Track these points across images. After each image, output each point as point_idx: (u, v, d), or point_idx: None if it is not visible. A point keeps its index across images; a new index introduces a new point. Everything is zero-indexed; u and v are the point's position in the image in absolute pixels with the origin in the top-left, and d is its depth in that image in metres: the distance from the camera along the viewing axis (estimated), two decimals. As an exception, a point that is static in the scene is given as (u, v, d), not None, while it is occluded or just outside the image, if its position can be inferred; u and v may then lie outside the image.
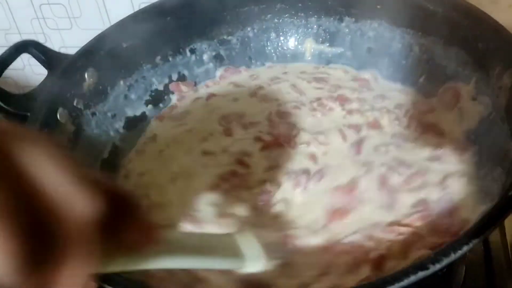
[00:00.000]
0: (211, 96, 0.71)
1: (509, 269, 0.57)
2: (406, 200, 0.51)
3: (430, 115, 0.61)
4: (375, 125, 0.61)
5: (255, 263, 0.37)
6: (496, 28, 0.55)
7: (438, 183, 0.51)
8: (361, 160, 0.56)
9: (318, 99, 0.65)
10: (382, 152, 0.57)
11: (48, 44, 0.64)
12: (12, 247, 0.19)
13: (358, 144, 0.59)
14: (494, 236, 0.61)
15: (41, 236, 0.20)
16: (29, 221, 0.20)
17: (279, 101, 0.67)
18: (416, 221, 0.48)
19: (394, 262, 0.45)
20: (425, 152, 0.55)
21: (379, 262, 0.45)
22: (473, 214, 0.47)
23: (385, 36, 0.68)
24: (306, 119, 0.63)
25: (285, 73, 0.73)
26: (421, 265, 0.35)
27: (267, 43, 0.75)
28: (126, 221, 0.24)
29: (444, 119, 0.60)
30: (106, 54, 0.64)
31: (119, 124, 0.66)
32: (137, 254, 0.24)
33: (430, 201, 0.50)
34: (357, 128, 0.60)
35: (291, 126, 0.62)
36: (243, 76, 0.74)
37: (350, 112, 0.63)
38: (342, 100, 0.65)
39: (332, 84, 0.68)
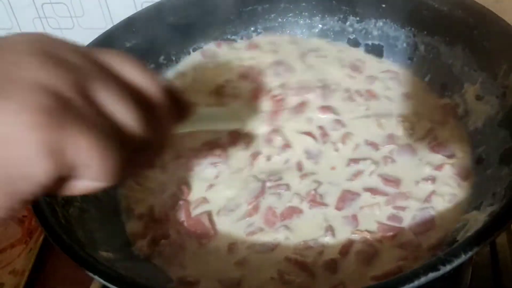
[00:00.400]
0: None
1: None
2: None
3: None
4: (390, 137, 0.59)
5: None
6: (502, 26, 0.54)
7: (422, 200, 0.52)
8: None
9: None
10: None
11: None
12: (137, 114, 0.31)
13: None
14: (500, 238, 0.61)
15: (147, 109, 0.33)
16: (139, 101, 0.32)
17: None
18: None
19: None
20: (425, 170, 0.55)
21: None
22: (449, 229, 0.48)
23: (390, 35, 0.68)
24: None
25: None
26: (431, 266, 0.34)
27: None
28: (178, 105, 0.38)
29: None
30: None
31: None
32: (185, 121, 0.39)
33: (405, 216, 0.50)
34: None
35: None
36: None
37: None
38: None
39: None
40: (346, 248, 0.48)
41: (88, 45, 0.62)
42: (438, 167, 0.54)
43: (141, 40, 0.66)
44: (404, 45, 0.67)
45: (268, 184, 0.55)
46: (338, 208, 0.51)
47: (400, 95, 0.63)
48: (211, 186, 0.56)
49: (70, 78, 0.28)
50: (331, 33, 0.72)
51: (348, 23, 0.71)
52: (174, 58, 0.71)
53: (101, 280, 0.38)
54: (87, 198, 0.52)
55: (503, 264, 0.59)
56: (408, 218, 0.50)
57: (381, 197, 0.52)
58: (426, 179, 0.53)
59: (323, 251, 0.48)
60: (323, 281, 0.46)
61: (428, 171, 0.54)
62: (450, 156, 0.55)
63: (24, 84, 0.27)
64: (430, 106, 0.62)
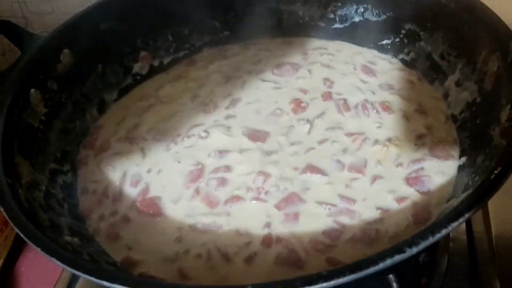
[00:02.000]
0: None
1: (493, 260, 0.56)
2: None
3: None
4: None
5: None
6: (483, 11, 0.53)
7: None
8: None
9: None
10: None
11: (29, 28, 0.62)
12: None
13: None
14: (478, 227, 0.60)
15: None
16: None
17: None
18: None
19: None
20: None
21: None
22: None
23: (371, 21, 0.67)
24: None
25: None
26: (398, 249, 0.33)
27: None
28: None
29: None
30: (83, 36, 0.62)
31: (96, 108, 0.64)
32: None
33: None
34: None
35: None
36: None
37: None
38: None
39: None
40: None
41: (60, 25, 0.61)
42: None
43: (116, 23, 0.64)
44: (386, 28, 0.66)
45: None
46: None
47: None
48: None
49: None
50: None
51: (329, 9, 0.70)
52: (151, 43, 0.70)
53: (58, 263, 0.36)
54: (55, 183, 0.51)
55: (481, 253, 0.58)
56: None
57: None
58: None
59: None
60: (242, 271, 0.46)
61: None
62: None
63: None
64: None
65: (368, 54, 0.67)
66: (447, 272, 0.56)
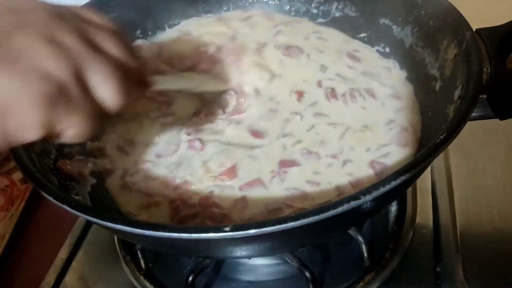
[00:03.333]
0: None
1: (457, 253, 0.62)
2: None
3: None
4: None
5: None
6: (445, 6, 0.60)
7: None
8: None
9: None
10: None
11: None
12: (118, 89, 0.39)
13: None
14: (444, 215, 0.67)
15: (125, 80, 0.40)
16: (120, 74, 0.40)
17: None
18: None
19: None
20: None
21: None
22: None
23: (350, 15, 0.74)
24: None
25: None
26: (353, 196, 0.39)
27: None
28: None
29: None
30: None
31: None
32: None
33: None
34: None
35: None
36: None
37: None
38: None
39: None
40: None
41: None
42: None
43: (117, 14, 0.71)
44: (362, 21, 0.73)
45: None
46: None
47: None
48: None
49: (69, 66, 0.36)
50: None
51: (313, 4, 0.77)
52: (150, 33, 0.76)
53: (70, 209, 0.42)
54: (62, 151, 0.57)
55: (446, 245, 0.63)
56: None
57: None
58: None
59: None
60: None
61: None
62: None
63: (32, 68, 0.34)
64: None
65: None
66: (412, 242, 0.63)
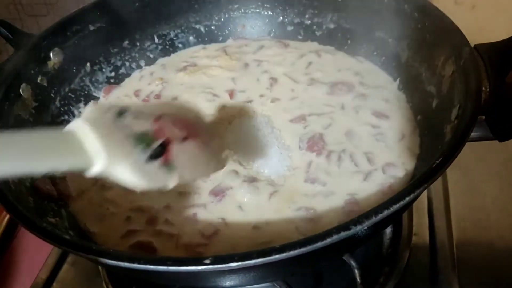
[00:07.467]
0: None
1: (454, 275, 0.60)
2: None
3: None
4: None
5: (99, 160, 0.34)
6: (442, 20, 0.57)
7: None
8: None
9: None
10: None
11: (24, 30, 0.65)
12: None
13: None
14: (441, 235, 0.64)
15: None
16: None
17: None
18: None
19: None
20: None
21: None
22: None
23: (344, 28, 0.71)
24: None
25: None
26: (344, 226, 0.37)
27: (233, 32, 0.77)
28: None
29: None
30: (72, 36, 0.66)
31: (83, 103, 0.68)
32: None
33: None
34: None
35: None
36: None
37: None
38: None
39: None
40: None
41: (52, 25, 0.65)
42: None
43: (105, 24, 0.69)
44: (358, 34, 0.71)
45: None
46: None
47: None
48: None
49: None
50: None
51: (307, 16, 0.75)
52: (138, 44, 0.74)
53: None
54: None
55: (442, 259, 0.61)
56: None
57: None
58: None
59: None
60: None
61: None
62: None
63: None
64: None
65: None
66: (408, 264, 0.61)
